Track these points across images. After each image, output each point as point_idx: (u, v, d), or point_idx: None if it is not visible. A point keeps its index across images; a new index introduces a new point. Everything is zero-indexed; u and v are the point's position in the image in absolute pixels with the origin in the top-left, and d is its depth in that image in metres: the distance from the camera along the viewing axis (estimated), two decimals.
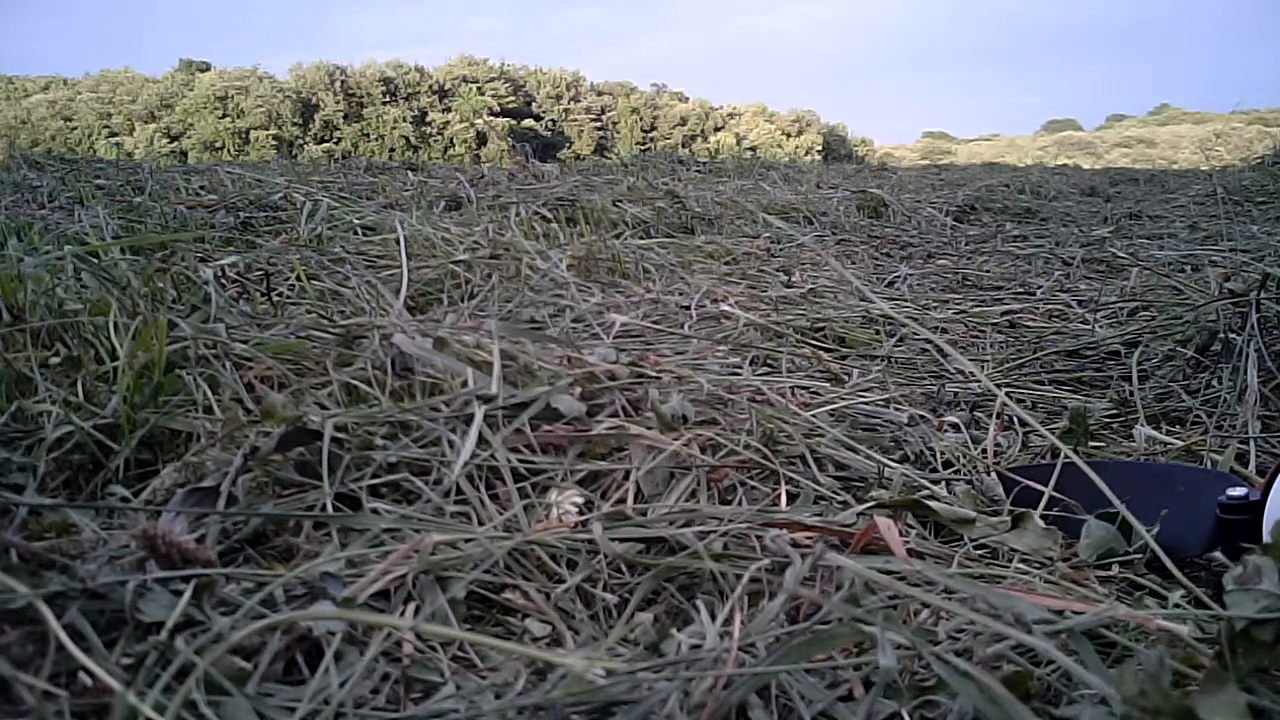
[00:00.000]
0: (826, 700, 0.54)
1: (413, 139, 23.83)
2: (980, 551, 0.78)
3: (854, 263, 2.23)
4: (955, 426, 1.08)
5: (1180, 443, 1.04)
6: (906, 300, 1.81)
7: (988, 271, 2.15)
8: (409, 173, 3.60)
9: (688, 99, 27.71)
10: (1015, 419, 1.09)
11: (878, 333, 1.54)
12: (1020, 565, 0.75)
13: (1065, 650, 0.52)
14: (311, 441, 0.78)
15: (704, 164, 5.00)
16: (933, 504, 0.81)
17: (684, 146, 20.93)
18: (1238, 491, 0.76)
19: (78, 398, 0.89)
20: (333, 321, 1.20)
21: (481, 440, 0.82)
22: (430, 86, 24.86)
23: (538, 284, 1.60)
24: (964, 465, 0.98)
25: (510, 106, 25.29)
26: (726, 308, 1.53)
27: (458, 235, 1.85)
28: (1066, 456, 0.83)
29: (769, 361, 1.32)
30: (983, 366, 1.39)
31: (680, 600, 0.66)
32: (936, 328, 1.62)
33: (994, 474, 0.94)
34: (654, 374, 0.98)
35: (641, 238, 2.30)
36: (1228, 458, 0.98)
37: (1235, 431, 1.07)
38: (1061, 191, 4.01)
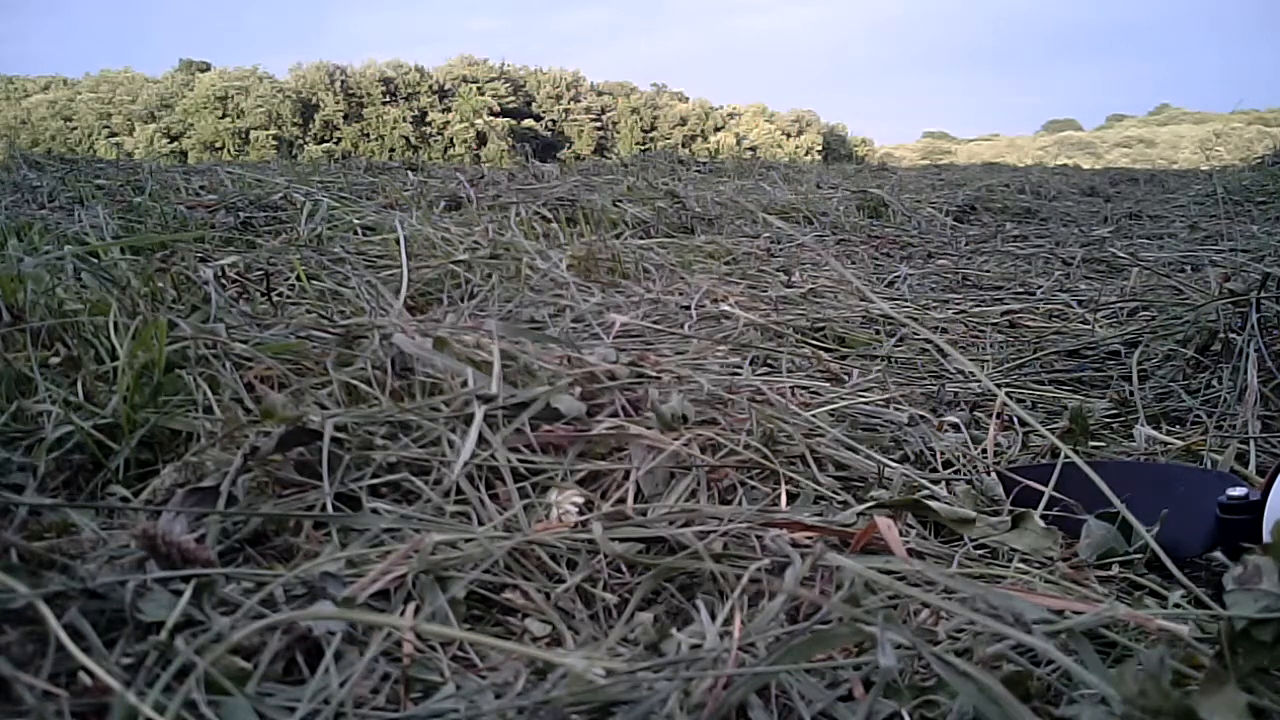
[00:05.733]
0: (826, 700, 0.54)
1: (413, 139, 23.82)
2: (980, 551, 0.78)
3: (854, 263, 2.23)
4: (955, 426, 1.08)
5: (1180, 443, 1.04)
6: (906, 300, 1.81)
7: (988, 271, 2.15)
8: (409, 173, 3.60)
9: (688, 99, 27.70)
10: (1015, 419, 1.09)
11: (878, 333, 1.54)
12: (1020, 565, 0.75)
13: (1065, 650, 0.52)
14: (311, 441, 0.78)
15: (704, 164, 5.00)
16: (933, 504, 0.81)
17: (684, 146, 20.95)
18: (1238, 491, 0.76)
19: (78, 398, 0.89)
20: (333, 321, 1.20)
21: (481, 440, 0.82)
22: (430, 86, 24.84)
23: (538, 284, 1.60)
24: (964, 465, 0.98)
25: (510, 106, 25.28)
26: (726, 308, 1.53)
27: (458, 235, 1.85)
28: (1066, 456, 0.83)
29: (769, 361, 1.32)
30: (983, 366, 1.39)
31: (680, 600, 0.66)
32: (936, 328, 1.62)
33: (994, 474, 0.94)
34: (654, 374, 0.98)
35: (641, 238, 2.30)
36: (1228, 458, 0.98)
37: (1235, 431, 1.07)
38: (1061, 191, 4.01)
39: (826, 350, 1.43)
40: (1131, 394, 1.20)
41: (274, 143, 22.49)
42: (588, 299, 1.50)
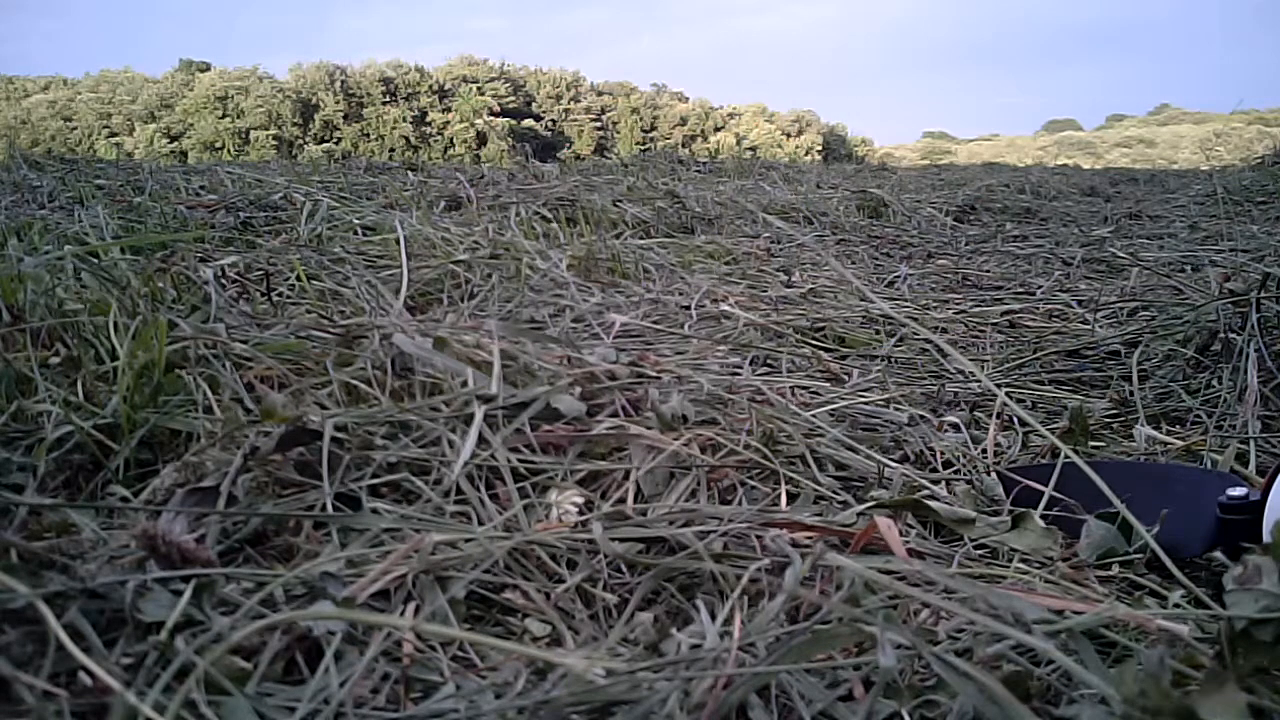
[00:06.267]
0: (826, 700, 0.54)
1: (413, 139, 23.82)
2: (980, 551, 0.78)
3: (854, 263, 2.23)
4: (955, 426, 1.08)
5: (1180, 443, 1.04)
6: (906, 300, 1.81)
7: (988, 271, 2.15)
8: (409, 173, 3.60)
9: (688, 99, 27.71)
10: (1015, 419, 1.09)
11: (878, 333, 1.54)
12: (1020, 565, 0.74)
13: (1065, 650, 0.52)
14: (311, 441, 0.78)
15: (704, 164, 5.00)
16: (933, 504, 0.81)
17: (684, 146, 20.93)
18: (1238, 491, 0.76)
19: (78, 398, 0.89)
20: (333, 321, 1.20)
21: (481, 440, 0.82)
22: (430, 86, 24.85)
23: (538, 284, 1.60)
24: (964, 465, 0.98)
25: (510, 106, 25.29)
26: (726, 308, 1.53)
27: (458, 235, 1.85)
28: (1066, 456, 0.83)
29: (769, 361, 1.32)
30: (983, 366, 1.39)
31: (680, 600, 0.66)
32: (936, 328, 1.62)
33: (994, 474, 0.94)
34: (654, 374, 0.98)
35: (641, 238, 2.30)
36: (1228, 458, 0.98)
37: (1235, 431, 1.07)
38: (1061, 191, 4.01)
39: (826, 350, 1.43)
40: (1131, 394, 1.20)
41: (274, 143, 22.49)
42: (588, 299, 1.50)
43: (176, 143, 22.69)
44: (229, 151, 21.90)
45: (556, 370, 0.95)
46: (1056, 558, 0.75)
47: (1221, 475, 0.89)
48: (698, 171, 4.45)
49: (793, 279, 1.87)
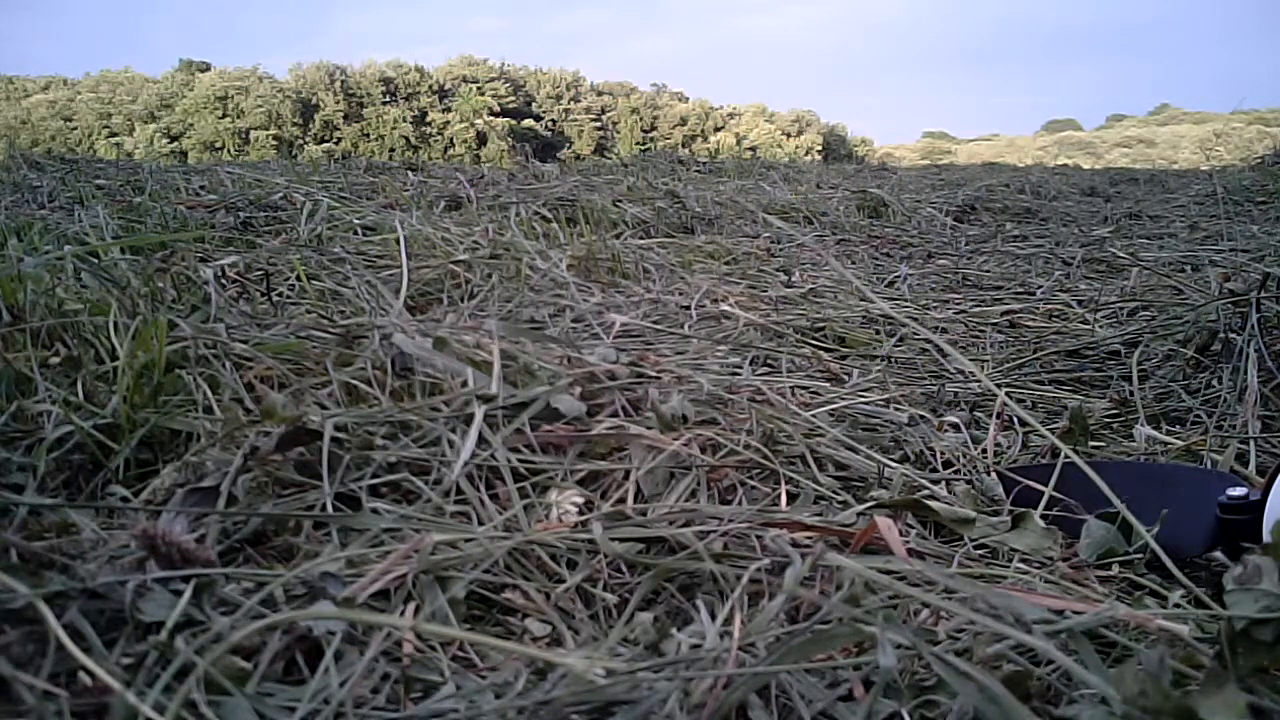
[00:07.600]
0: (826, 700, 0.54)
1: (413, 139, 23.81)
2: (980, 551, 0.78)
3: (854, 263, 2.23)
4: (955, 426, 1.08)
5: (1180, 443, 1.04)
6: (906, 300, 1.81)
7: (988, 271, 2.15)
8: (409, 173, 3.60)
9: (688, 99, 27.70)
10: (1015, 419, 1.09)
11: (878, 333, 1.54)
12: (1020, 565, 0.75)
13: (1065, 650, 0.52)
14: (311, 441, 0.78)
15: (704, 164, 5.00)
16: (933, 504, 0.81)
17: (684, 146, 20.92)
18: (1238, 491, 0.76)
19: (78, 398, 0.89)
20: (333, 321, 1.20)
21: (481, 440, 0.82)
22: (430, 86, 24.84)
23: (538, 284, 1.60)
24: (964, 465, 0.98)
25: (510, 106, 25.28)
26: (726, 308, 1.53)
27: (458, 235, 1.85)
28: (1066, 456, 0.83)
29: (769, 361, 1.32)
30: (983, 366, 1.39)
31: (680, 600, 0.66)
32: (936, 328, 1.62)
33: (994, 474, 0.94)
34: (654, 374, 0.98)
35: (641, 238, 2.30)
36: (1228, 458, 0.98)
37: (1235, 431, 1.07)
38: (1061, 191, 4.01)
39: (826, 350, 1.43)
40: (1131, 394, 1.20)
41: (274, 143, 22.48)
42: (588, 299, 1.50)
43: (176, 143, 22.69)
44: (229, 151, 21.89)
45: (556, 370, 0.95)
46: (1056, 558, 0.75)
47: (1221, 475, 0.89)
48: (698, 171, 4.44)
49: (793, 279, 1.87)
